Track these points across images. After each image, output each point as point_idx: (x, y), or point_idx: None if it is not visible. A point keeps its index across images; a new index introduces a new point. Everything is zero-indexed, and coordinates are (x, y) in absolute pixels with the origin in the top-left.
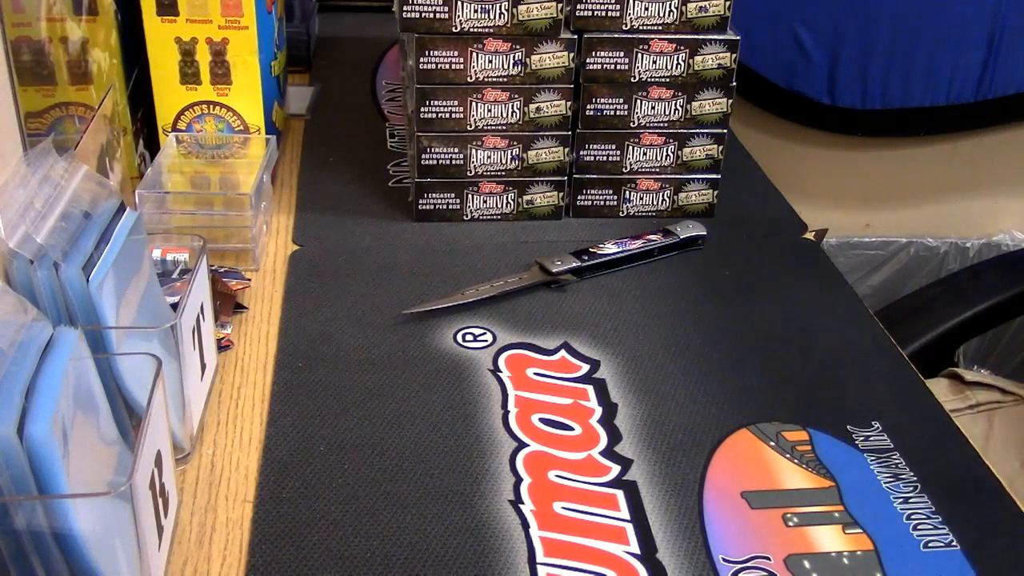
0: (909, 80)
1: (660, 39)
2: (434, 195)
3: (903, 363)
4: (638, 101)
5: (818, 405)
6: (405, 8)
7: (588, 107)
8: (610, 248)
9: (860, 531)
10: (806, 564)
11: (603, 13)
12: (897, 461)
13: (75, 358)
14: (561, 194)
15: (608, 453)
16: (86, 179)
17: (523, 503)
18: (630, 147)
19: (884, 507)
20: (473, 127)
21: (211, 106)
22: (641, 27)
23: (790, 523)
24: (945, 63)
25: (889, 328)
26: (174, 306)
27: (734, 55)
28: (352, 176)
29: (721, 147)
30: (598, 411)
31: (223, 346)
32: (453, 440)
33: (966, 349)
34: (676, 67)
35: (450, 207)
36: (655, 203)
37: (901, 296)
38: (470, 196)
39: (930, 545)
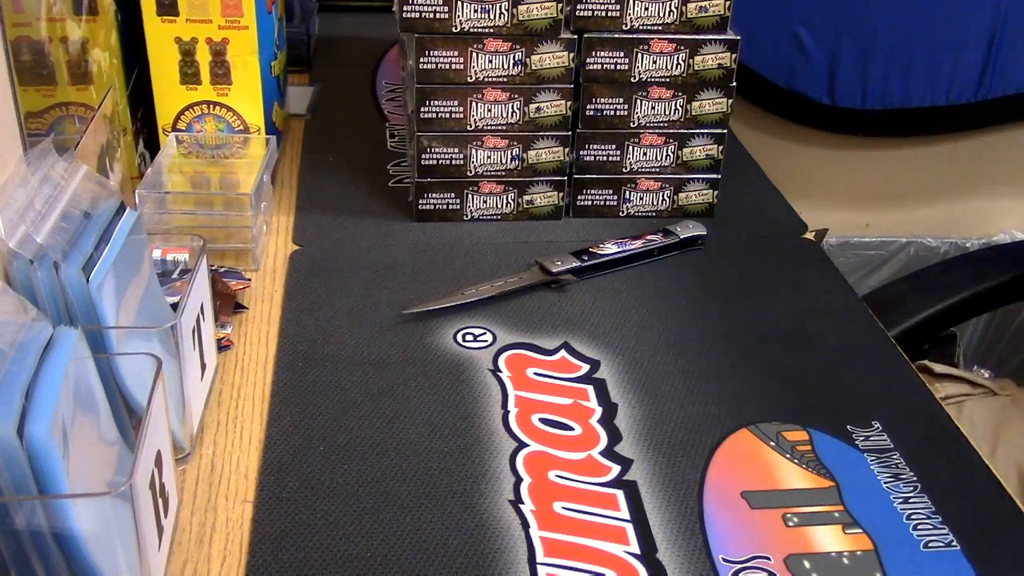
0: (909, 80)
1: (660, 39)
2: (434, 195)
3: (903, 363)
4: (638, 101)
5: (818, 405)
6: (405, 8)
7: (588, 107)
8: (610, 248)
9: (860, 531)
10: (806, 564)
11: (603, 13)
12: (897, 461)
13: (75, 358)
14: (561, 194)
15: (608, 453)
16: (86, 179)
17: (523, 503)
18: (630, 147)
19: (884, 507)
20: (473, 127)
21: (211, 106)
22: (641, 27)
23: (790, 523)
24: (945, 63)
25: (889, 304)
26: (174, 306)
27: (734, 55)
28: (352, 176)
29: (721, 147)
30: (598, 411)
31: (223, 346)
32: (453, 440)
33: (966, 349)
34: (676, 67)
35: (450, 207)
36: (655, 203)
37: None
38: (470, 196)
39: (930, 545)
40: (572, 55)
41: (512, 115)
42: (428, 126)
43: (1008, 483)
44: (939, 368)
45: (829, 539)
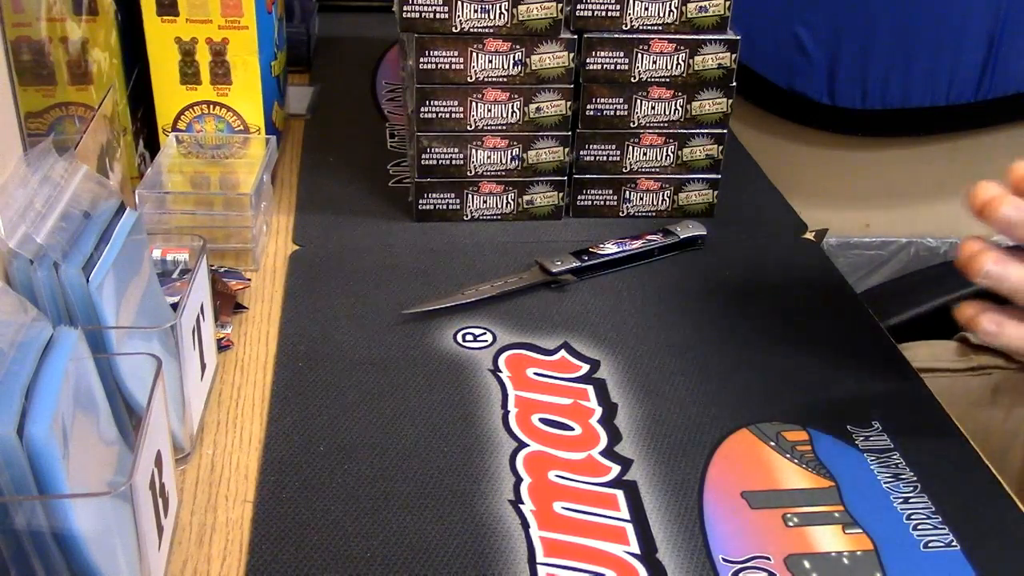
0: (909, 80)
1: (660, 39)
2: (434, 195)
3: (903, 363)
4: (638, 101)
5: (818, 405)
6: (405, 8)
7: (588, 107)
8: (610, 248)
9: (860, 531)
10: (806, 564)
11: (603, 13)
12: (897, 461)
13: (75, 358)
14: (561, 194)
15: (608, 453)
16: (86, 179)
17: (523, 503)
18: (630, 147)
19: (884, 507)
20: (473, 127)
21: (211, 106)
22: (641, 27)
23: (790, 523)
24: (945, 63)
25: (904, 293)
26: (174, 306)
27: (734, 55)
28: (352, 176)
29: (721, 147)
30: (598, 411)
31: (223, 346)
32: (453, 440)
33: None
34: (676, 67)
35: (450, 207)
36: (655, 203)
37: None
38: (470, 196)
39: (930, 545)
40: (572, 55)
41: (512, 115)
42: (428, 126)
43: (1015, 456)
44: (976, 340)
45: (829, 539)
